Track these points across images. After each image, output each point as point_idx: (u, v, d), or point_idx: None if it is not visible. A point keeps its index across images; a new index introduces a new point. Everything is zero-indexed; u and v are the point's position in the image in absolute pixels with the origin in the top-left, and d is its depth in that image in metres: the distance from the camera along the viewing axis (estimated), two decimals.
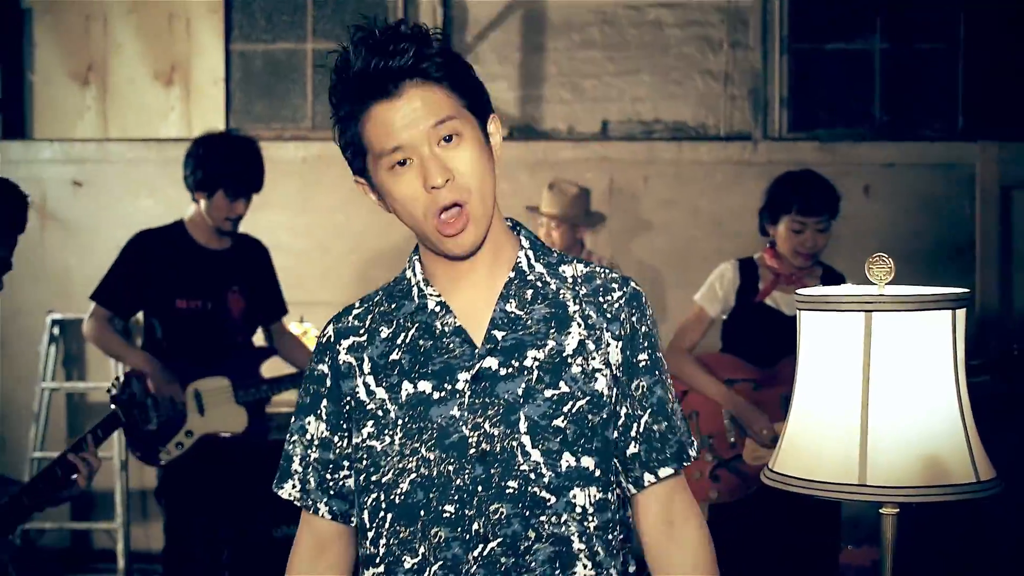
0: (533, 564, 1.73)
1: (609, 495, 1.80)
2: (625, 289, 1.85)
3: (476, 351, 1.77)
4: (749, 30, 6.05)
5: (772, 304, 3.92)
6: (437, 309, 1.81)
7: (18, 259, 5.86)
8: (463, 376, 1.76)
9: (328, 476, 1.85)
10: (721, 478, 3.86)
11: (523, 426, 1.74)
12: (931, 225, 5.88)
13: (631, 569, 1.86)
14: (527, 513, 1.73)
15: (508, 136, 6.23)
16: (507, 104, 6.23)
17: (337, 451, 1.85)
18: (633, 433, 1.82)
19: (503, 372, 1.76)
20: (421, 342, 1.80)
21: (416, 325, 1.81)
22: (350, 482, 1.85)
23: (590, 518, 1.76)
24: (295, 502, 1.89)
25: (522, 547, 1.73)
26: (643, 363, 1.83)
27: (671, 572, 1.83)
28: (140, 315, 4.31)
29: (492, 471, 1.73)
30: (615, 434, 1.82)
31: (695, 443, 1.91)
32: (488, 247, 1.82)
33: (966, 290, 1.98)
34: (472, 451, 1.74)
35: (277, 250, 5.95)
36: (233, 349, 4.23)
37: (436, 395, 1.76)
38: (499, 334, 1.78)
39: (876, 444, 1.90)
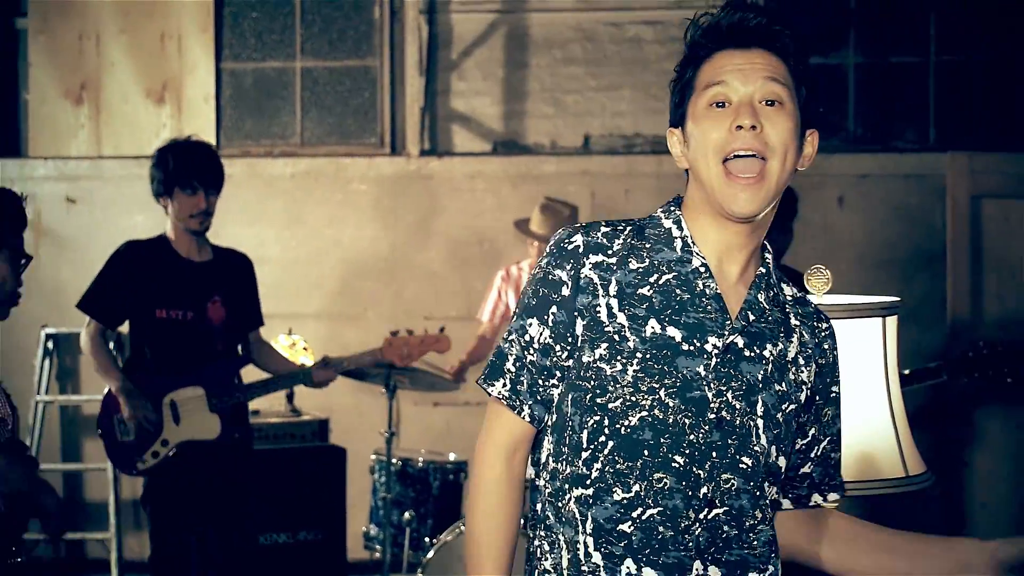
0: (756, 543, 1.78)
1: (773, 501, 1.86)
2: (829, 325, 1.90)
3: (729, 322, 1.79)
4: None
5: None
6: (701, 269, 1.81)
7: None
8: (713, 340, 1.77)
9: (540, 381, 1.84)
10: None
11: (760, 409, 1.78)
12: (903, 234, 6.03)
13: None
14: (757, 493, 1.77)
15: (492, 151, 6.37)
16: (490, 119, 6.38)
17: (554, 359, 1.83)
18: (813, 454, 1.88)
19: (747, 353, 1.79)
20: (678, 291, 1.80)
21: (674, 274, 1.80)
22: (555, 391, 1.84)
23: (769, 517, 1.82)
24: (502, 400, 1.85)
25: (747, 523, 1.77)
26: (834, 394, 1.89)
27: (848, 531, 1.92)
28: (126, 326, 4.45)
29: (729, 441, 1.76)
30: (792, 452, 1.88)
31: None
32: (759, 234, 1.83)
33: (896, 299, 2.12)
34: (712, 415, 1.75)
35: (266, 263, 6.10)
36: (211, 358, 4.35)
37: (686, 346, 1.77)
38: (751, 316, 1.81)
39: None
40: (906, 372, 3.83)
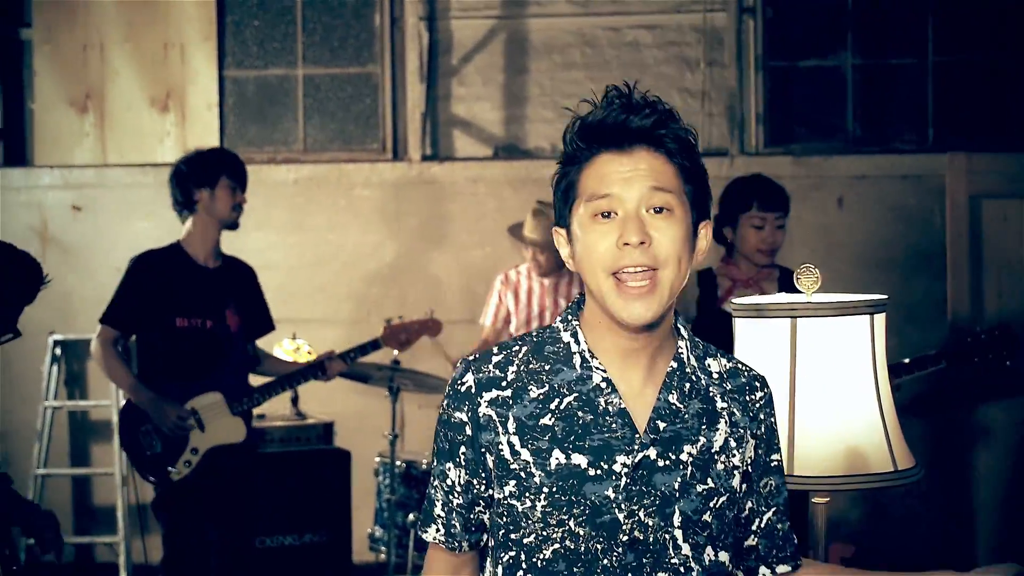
0: None
1: None
2: (766, 390, 1.86)
3: (637, 437, 1.75)
4: (725, 49, 6.24)
5: (731, 310, 4.08)
6: (603, 385, 1.77)
7: None
8: (622, 459, 1.74)
9: (471, 516, 1.85)
10: None
11: (677, 519, 1.74)
12: (902, 234, 6.07)
13: None
14: None
15: (493, 155, 6.42)
16: (491, 124, 6.42)
17: (474, 493, 1.83)
18: (755, 527, 1.85)
19: (661, 464, 1.75)
20: (580, 414, 1.76)
21: (575, 395, 1.77)
22: (485, 517, 1.85)
23: None
24: (440, 544, 1.88)
25: None
26: (775, 463, 1.85)
27: None
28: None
29: (644, 560, 1.73)
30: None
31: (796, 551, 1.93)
32: (658, 337, 1.78)
33: (884, 297, 2.17)
34: (624, 536, 1.73)
35: (270, 269, 6.15)
36: (225, 363, 4.42)
37: (592, 471, 1.74)
38: (661, 424, 1.76)
39: (802, 438, 2.08)
40: (906, 361, 3.88)
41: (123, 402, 4.48)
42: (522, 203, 6.00)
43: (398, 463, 4.95)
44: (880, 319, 2.14)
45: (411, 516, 4.83)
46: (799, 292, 2.19)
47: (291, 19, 6.50)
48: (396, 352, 4.86)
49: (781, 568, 1.87)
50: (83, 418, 6.42)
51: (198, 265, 4.43)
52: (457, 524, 1.85)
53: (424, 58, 6.33)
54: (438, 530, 1.86)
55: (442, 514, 1.86)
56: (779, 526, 1.86)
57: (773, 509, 1.85)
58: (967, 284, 5.78)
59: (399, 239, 6.30)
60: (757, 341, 2.16)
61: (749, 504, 1.84)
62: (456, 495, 1.84)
